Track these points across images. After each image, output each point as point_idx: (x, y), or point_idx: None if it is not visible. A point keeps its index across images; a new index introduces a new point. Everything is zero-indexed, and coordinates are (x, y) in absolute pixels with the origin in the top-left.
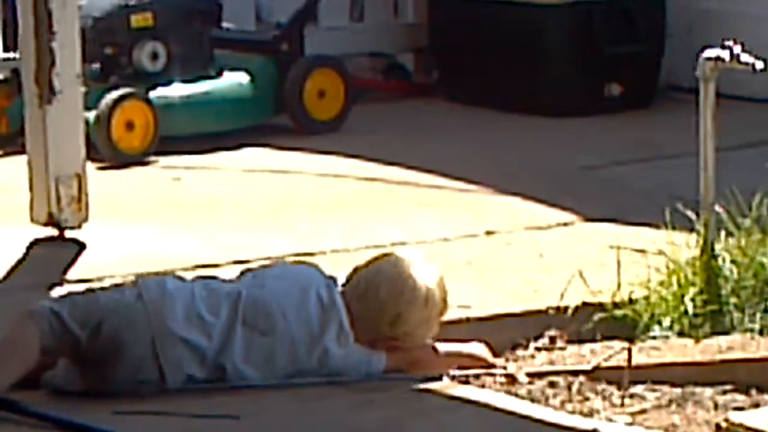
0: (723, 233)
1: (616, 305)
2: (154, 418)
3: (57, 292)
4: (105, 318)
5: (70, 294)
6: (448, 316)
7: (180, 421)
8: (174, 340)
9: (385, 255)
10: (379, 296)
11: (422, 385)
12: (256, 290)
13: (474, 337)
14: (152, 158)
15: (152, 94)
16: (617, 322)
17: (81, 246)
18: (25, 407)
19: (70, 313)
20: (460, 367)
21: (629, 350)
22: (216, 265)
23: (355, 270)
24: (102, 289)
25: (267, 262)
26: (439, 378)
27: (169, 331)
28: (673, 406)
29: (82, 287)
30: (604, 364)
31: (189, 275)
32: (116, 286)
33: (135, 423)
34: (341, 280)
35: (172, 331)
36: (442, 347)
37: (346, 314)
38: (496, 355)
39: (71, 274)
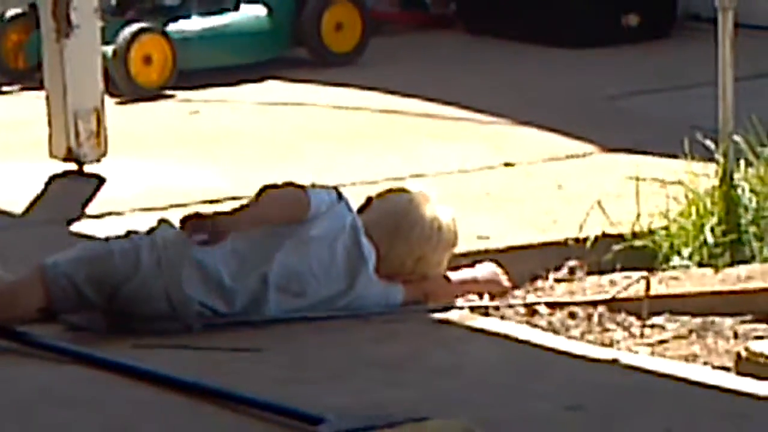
0: (742, 163)
1: (635, 236)
2: (174, 352)
3: (71, 249)
4: (121, 283)
5: (85, 251)
6: (467, 246)
7: (201, 355)
8: (192, 302)
9: (401, 190)
10: (410, 239)
11: (442, 316)
12: (287, 257)
13: None
14: (170, 92)
15: (170, 28)
16: (637, 252)
17: (100, 180)
18: (42, 340)
19: (85, 278)
20: (474, 293)
21: (647, 280)
22: (234, 198)
23: (370, 200)
24: (118, 239)
25: None
26: (459, 308)
27: (185, 297)
28: (693, 336)
29: (99, 226)
30: (623, 294)
31: (205, 209)
32: (133, 233)
33: (154, 356)
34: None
35: (189, 296)
36: (454, 275)
37: (370, 245)
38: (513, 284)
39: (90, 209)
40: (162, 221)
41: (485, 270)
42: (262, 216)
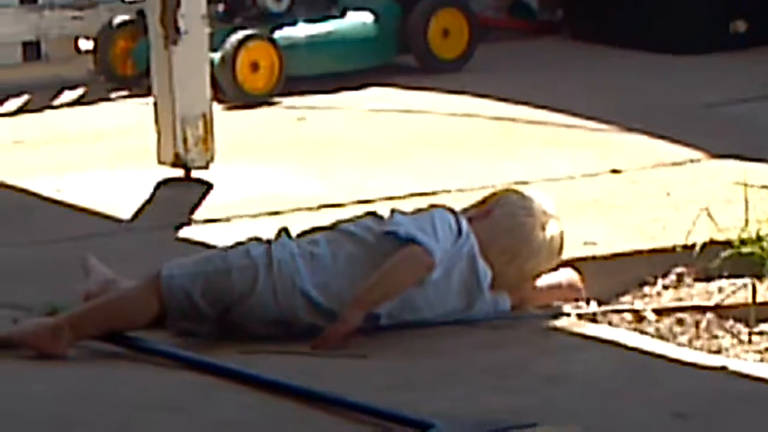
0: None
1: (743, 242)
2: (281, 357)
3: (188, 259)
4: (236, 302)
5: (203, 265)
6: (574, 253)
7: (307, 360)
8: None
9: (520, 196)
10: (526, 264)
11: (550, 323)
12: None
13: (601, 276)
14: (277, 98)
15: (277, 35)
16: (745, 259)
17: (207, 186)
18: (151, 345)
19: (201, 294)
20: (557, 299)
21: (754, 286)
22: (340, 205)
23: (484, 202)
24: (236, 251)
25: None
26: (567, 314)
27: (299, 321)
28: None
29: (206, 232)
30: (729, 301)
31: (314, 216)
32: (254, 240)
33: (261, 362)
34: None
35: (302, 320)
36: (541, 281)
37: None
38: (623, 293)
39: (198, 215)
40: (282, 231)
41: (567, 275)
42: (389, 296)
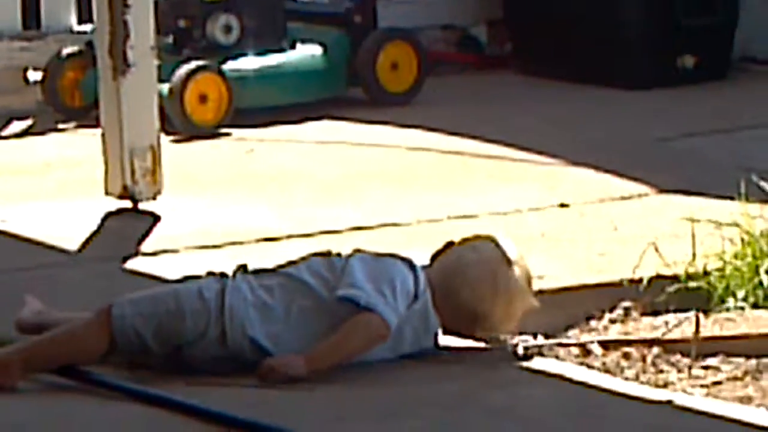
0: None
1: (690, 277)
2: (227, 390)
3: (140, 296)
4: (187, 344)
5: (155, 306)
6: None
7: (254, 393)
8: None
9: (475, 250)
10: (485, 325)
11: (496, 357)
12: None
13: (548, 309)
14: (226, 130)
15: (226, 67)
16: (691, 293)
17: (155, 218)
18: (98, 377)
19: (153, 335)
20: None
21: (697, 320)
22: (288, 237)
23: (449, 250)
24: (189, 289)
25: (347, 250)
26: (514, 347)
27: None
28: (748, 378)
29: (153, 264)
30: (674, 335)
31: (264, 248)
32: (210, 277)
33: (207, 394)
34: (426, 258)
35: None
36: None
37: (436, 317)
38: (570, 326)
39: (146, 246)
40: (240, 268)
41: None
42: (341, 360)
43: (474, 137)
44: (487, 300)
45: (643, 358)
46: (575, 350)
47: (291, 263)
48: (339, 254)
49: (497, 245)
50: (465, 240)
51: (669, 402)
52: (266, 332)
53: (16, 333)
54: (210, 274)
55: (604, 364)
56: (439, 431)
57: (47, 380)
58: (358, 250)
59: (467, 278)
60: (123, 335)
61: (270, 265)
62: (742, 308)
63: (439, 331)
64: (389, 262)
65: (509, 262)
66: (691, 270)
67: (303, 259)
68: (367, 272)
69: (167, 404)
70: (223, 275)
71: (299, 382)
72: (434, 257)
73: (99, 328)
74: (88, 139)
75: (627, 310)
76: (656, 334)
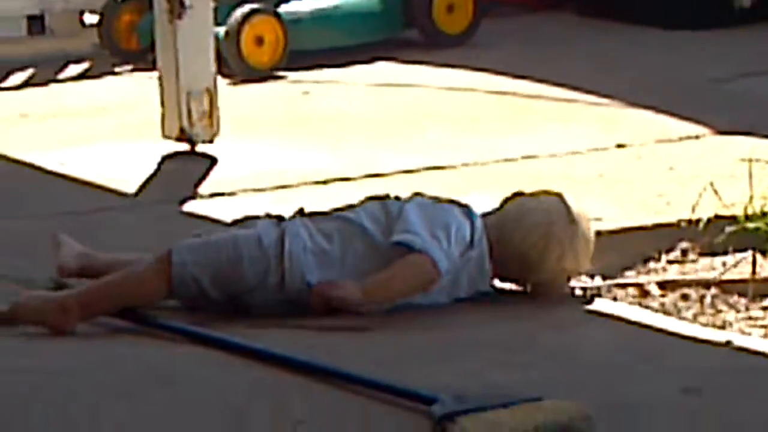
0: None
1: (748, 218)
2: (285, 332)
3: (199, 244)
4: (245, 291)
5: (214, 253)
6: None
7: (313, 335)
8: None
9: (544, 208)
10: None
11: (554, 300)
12: None
13: (605, 251)
14: (281, 73)
15: (281, 9)
16: (749, 234)
17: (212, 160)
18: (158, 321)
19: (211, 282)
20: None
21: (754, 260)
22: (345, 179)
23: (505, 202)
24: (248, 236)
25: (403, 193)
26: (571, 291)
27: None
28: None
29: (211, 206)
30: (731, 275)
31: (321, 190)
32: (266, 219)
33: (266, 336)
34: (484, 202)
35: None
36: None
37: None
38: (627, 268)
39: (203, 189)
40: (298, 213)
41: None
42: (392, 300)
43: (530, 78)
44: (538, 249)
45: (701, 299)
46: (633, 291)
47: (349, 207)
48: (397, 197)
49: (562, 201)
50: (534, 193)
51: (728, 343)
52: (323, 278)
53: (58, 276)
54: (268, 216)
55: (662, 305)
56: (496, 373)
57: (104, 323)
58: (417, 194)
59: (522, 224)
60: (182, 282)
61: (326, 208)
62: None
63: (494, 279)
64: (446, 208)
65: (570, 220)
66: (749, 211)
67: (361, 202)
68: (423, 217)
69: (226, 346)
70: (280, 218)
71: (353, 306)
72: (502, 204)
73: (158, 274)
74: (145, 82)
75: (685, 251)
76: (714, 275)
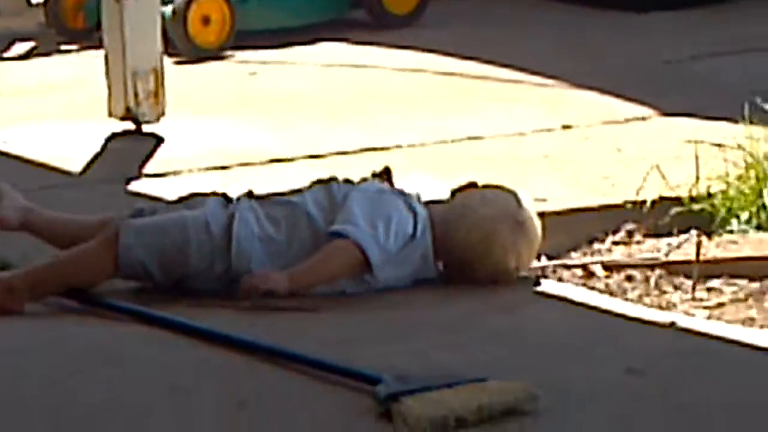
0: None
1: (693, 199)
2: (230, 312)
3: (147, 224)
4: (191, 275)
5: (162, 236)
6: None
7: (257, 315)
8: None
9: (497, 193)
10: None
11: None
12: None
13: (551, 232)
14: (228, 53)
15: None
16: (694, 216)
17: (158, 140)
18: (104, 300)
19: (158, 266)
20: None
21: (699, 243)
22: (291, 160)
23: (467, 191)
24: (193, 219)
25: (344, 178)
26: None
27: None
28: (751, 300)
29: (156, 186)
30: (676, 257)
31: (265, 170)
32: (214, 197)
33: (210, 316)
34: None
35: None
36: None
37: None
38: (573, 248)
39: (148, 168)
40: (246, 195)
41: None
42: (322, 282)
43: (477, 59)
44: (479, 250)
45: (646, 280)
46: (579, 272)
47: (297, 191)
48: (347, 180)
49: (513, 199)
50: (486, 186)
51: (672, 324)
52: (269, 266)
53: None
54: (214, 194)
55: (607, 286)
56: (443, 354)
57: (53, 303)
58: (364, 179)
59: (465, 223)
60: (128, 265)
61: (273, 189)
62: (745, 231)
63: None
64: (389, 199)
65: (516, 222)
66: (695, 192)
67: (308, 186)
68: (365, 207)
69: (172, 326)
70: (227, 198)
71: (278, 296)
72: (453, 194)
73: (105, 254)
74: (91, 61)
75: (630, 232)
76: (659, 256)
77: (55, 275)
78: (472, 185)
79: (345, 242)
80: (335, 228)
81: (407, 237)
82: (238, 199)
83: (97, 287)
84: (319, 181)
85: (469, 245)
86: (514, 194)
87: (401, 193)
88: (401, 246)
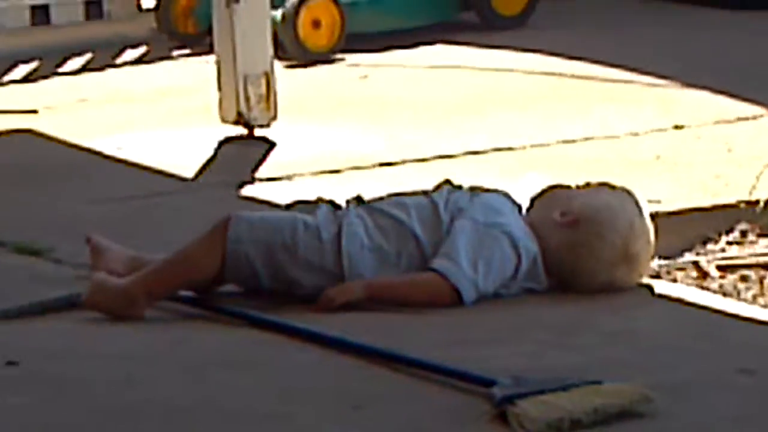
0: None
1: None
2: (339, 315)
3: (257, 219)
4: (296, 280)
5: (271, 233)
6: None
7: (366, 317)
8: None
9: (610, 208)
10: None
11: None
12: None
13: (664, 233)
14: (339, 56)
15: None
16: None
17: (270, 144)
18: (220, 306)
19: (263, 265)
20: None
21: None
22: (400, 163)
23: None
24: (304, 227)
25: (461, 179)
26: None
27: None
28: None
29: (268, 190)
30: None
31: (376, 174)
32: (319, 204)
33: (323, 320)
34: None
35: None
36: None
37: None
38: (686, 249)
39: (261, 173)
40: (355, 199)
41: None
42: (395, 302)
43: (588, 60)
44: (601, 279)
45: (761, 280)
46: (692, 273)
47: (403, 194)
48: (459, 186)
49: (630, 203)
50: (588, 185)
51: None
52: (381, 275)
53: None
54: (321, 200)
55: (721, 286)
56: (556, 356)
57: (166, 308)
58: (484, 189)
59: (594, 249)
60: (235, 258)
61: (382, 193)
62: None
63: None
64: (497, 238)
65: (637, 232)
66: None
67: (413, 196)
68: (470, 242)
69: (286, 330)
70: (336, 206)
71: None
72: (534, 199)
73: (212, 248)
74: (202, 67)
75: (744, 232)
76: None
77: (167, 276)
78: (556, 186)
79: (442, 281)
80: (436, 265)
81: (506, 279)
82: (348, 205)
83: (208, 290)
84: (426, 193)
85: (598, 265)
86: (626, 191)
87: (517, 208)
88: (501, 284)
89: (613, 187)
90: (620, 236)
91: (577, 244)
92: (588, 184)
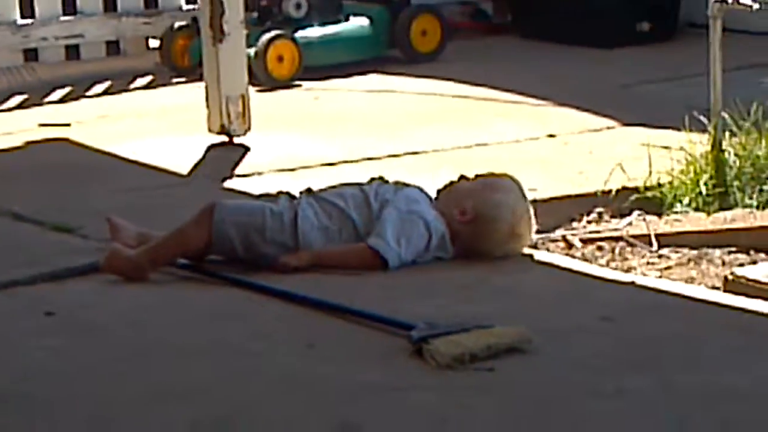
0: (728, 134)
1: (647, 188)
2: (296, 277)
3: (237, 204)
4: (267, 251)
5: (246, 216)
6: None
7: (316, 278)
8: None
9: (497, 194)
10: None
11: None
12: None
13: (540, 214)
14: (297, 83)
15: (297, 35)
16: (648, 201)
17: (245, 149)
18: (207, 270)
19: (240, 242)
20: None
21: (645, 221)
22: (345, 162)
23: (461, 181)
24: (271, 213)
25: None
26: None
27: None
28: (691, 264)
29: (244, 183)
30: (632, 232)
31: (328, 171)
32: (280, 195)
33: (285, 281)
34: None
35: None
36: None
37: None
38: (557, 227)
39: (239, 170)
40: (306, 191)
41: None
42: (339, 266)
43: (485, 86)
44: (500, 249)
45: (613, 250)
46: (561, 244)
47: (343, 185)
48: (387, 181)
49: (515, 192)
50: (479, 176)
51: (632, 282)
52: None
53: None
54: (281, 193)
55: (583, 254)
56: (459, 306)
57: (168, 272)
58: (404, 184)
59: (488, 236)
60: (219, 236)
61: (326, 186)
62: (687, 212)
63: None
64: (414, 219)
65: (525, 221)
66: (648, 183)
67: (349, 187)
68: (395, 225)
69: (254, 288)
70: (292, 196)
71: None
72: (440, 191)
73: (201, 227)
74: (195, 90)
75: (600, 214)
76: (622, 232)
77: (167, 248)
78: (461, 177)
79: (373, 254)
80: (370, 243)
81: (420, 250)
82: (301, 195)
83: (199, 259)
84: (374, 179)
85: (493, 246)
86: (510, 178)
87: (422, 216)
88: (415, 256)
89: (500, 176)
90: (508, 223)
91: (474, 234)
92: (482, 176)
